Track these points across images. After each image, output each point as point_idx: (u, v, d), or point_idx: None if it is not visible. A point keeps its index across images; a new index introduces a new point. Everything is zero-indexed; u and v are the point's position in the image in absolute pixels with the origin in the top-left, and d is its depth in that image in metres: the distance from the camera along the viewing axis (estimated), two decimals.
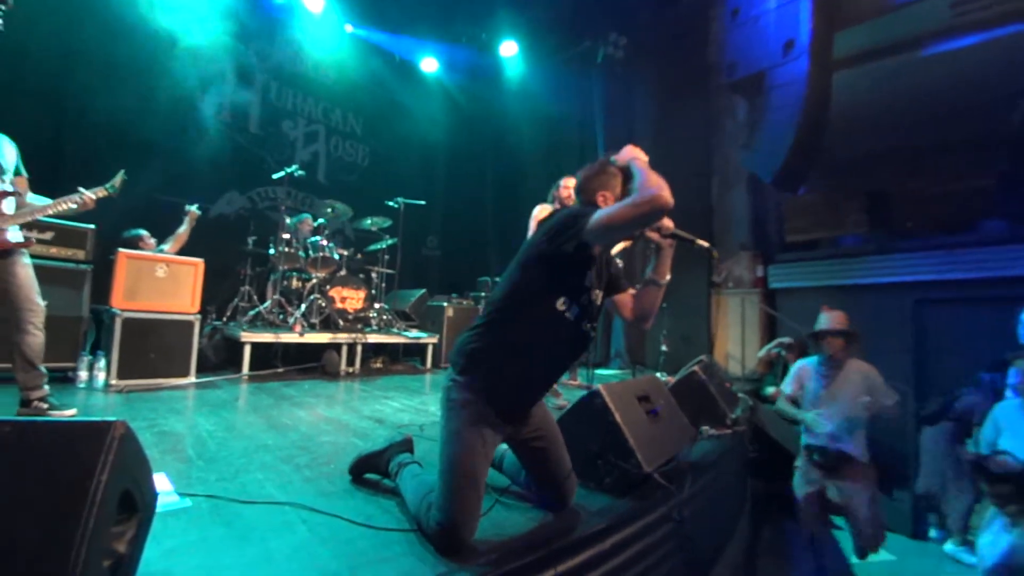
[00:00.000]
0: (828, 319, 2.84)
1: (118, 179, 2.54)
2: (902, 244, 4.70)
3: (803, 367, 3.00)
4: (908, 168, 4.83)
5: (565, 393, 3.66)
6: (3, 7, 1.79)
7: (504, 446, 1.65)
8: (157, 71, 4.93)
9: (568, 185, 3.77)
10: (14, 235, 2.30)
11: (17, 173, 2.41)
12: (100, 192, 2.47)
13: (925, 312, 4.50)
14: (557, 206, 3.77)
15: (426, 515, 1.36)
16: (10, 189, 2.26)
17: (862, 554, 2.77)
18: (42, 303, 2.38)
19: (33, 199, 2.47)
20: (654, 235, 1.53)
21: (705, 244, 1.54)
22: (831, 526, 2.87)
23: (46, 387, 2.41)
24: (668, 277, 1.57)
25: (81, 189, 2.42)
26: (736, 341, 5.63)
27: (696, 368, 2.98)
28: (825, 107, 4.90)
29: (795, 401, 3.00)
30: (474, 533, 1.31)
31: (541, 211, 3.69)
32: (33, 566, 0.75)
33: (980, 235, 4.31)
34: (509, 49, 7.21)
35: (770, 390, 4.60)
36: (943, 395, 3.75)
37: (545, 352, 1.49)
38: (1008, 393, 2.51)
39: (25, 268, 2.35)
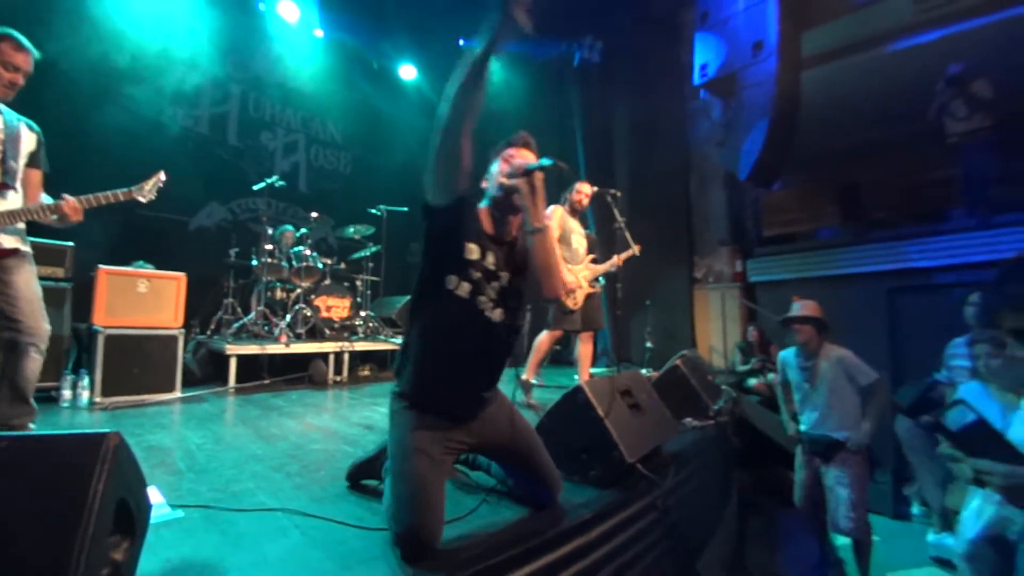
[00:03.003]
0: (797, 308, 2.91)
1: (150, 183, 2.28)
2: (875, 235, 4.85)
3: (783, 359, 3.07)
4: (878, 161, 5.00)
5: (538, 393, 3.70)
6: None
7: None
8: (133, 83, 4.88)
9: (585, 191, 3.76)
10: (6, 240, 1.96)
11: (32, 165, 2.09)
12: (123, 195, 2.17)
13: (898, 300, 4.66)
14: (568, 209, 3.75)
15: (390, 525, 1.34)
16: (7, 181, 1.95)
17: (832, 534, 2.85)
18: (47, 325, 2.05)
19: (44, 199, 2.13)
20: (514, 182, 1.44)
21: (563, 166, 1.45)
22: (821, 510, 2.94)
23: (32, 426, 2.09)
24: (545, 222, 1.44)
25: (66, 198, 2.04)
26: (718, 334, 5.76)
27: (678, 362, 3.06)
28: (796, 105, 5.04)
29: (788, 392, 3.07)
30: (437, 538, 1.28)
31: (552, 213, 3.62)
32: (37, 568, 0.78)
33: (948, 224, 4.48)
34: None
35: (752, 382, 4.73)
36: (918, 386, 3.86)
37: (455, 341, 1.45)
38: (963, 375, 2.64)
39: (26, 277, 2.00)
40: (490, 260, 1.48)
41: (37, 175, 2.11)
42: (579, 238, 3.72)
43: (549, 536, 1.45)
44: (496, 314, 1.48)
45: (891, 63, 4.66)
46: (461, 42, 7.29)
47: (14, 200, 2.00)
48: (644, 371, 4.49)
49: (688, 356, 3.26)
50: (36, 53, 1.96)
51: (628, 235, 3.80)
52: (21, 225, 2.03)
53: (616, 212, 3.83)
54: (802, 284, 5.12)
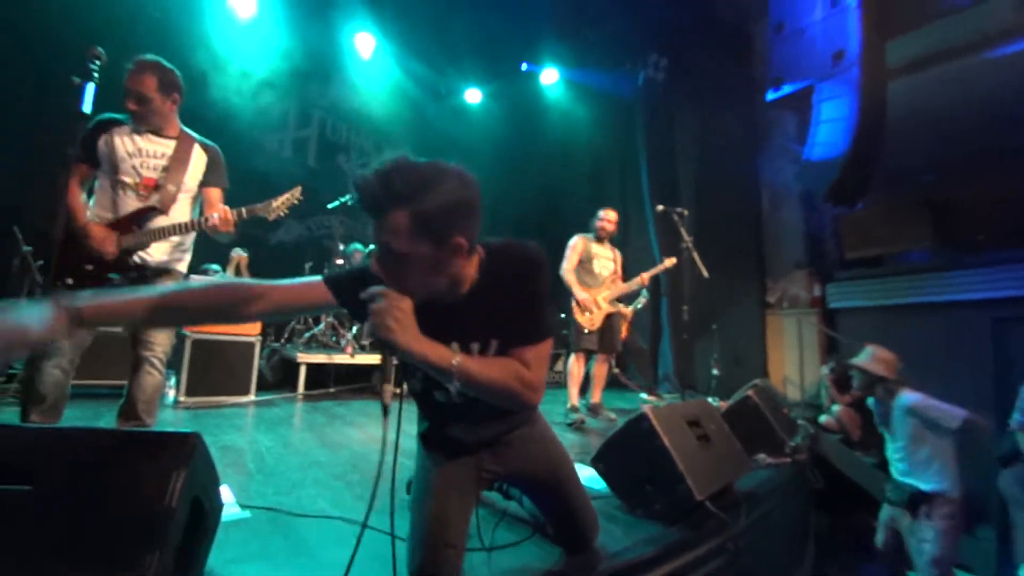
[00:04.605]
0: (867, 355, 2.73)
1: (281, 199, 2.30)
2: (974, 258, 4.35)
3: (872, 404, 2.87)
4: (976, 177, 4.50)
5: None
6: (97, 62, 1.84)
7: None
8: (227, 109, 5.36)
9: (609, 218, 3.88)
10: (157, 256, 2.02)
11: (208, 184, 2.16)
12: (258, 210, 2.19)
13: (1006, 331, 4.13)
14: (593, 237, 3.85)
15: (407, 557, 1.22)
16: (153, 204, 1.99)
17: None
18: (169, 338, 2.04)
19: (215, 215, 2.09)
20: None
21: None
22: (903, 562, 2.63)
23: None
24: (450, 361, 1.03)
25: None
26: (794, 364, 5.35)
27: (750, 392, 2.85)
28: (881, 117, 4.69)
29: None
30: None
31: (574, 243, 3.79)
32: (118, 555, 0.82)
33: None
34: (550, 77, 7.38)
35: (823, 418, 4.33)
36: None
37: (437, 416, 1.30)
38: None
39: None
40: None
41: (215, 193, 2.17)
42: (604, 262, 3.83)
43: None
44: (452, 397, 1.19)
45: (989, 70, 4.25)
46: (524, 66, 7.45)
47: (176, 219, 2.06)
48: (711, 400, 4.24)
49: (761, 386, 3.03)
50: (158, 71, 1.99)
51: (696, 255, 3.67)
52: (180, 241, 2.09)
53: (683, 231, 3.70)
54: (888, 312, 4.67)
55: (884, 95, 4.70)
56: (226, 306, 1.07)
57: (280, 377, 4.52)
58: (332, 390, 4.51)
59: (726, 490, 1.97)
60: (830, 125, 4.83)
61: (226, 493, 1.71)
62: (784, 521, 2.61)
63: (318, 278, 1.16)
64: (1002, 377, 4.07)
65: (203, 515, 1.05)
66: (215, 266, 4.36)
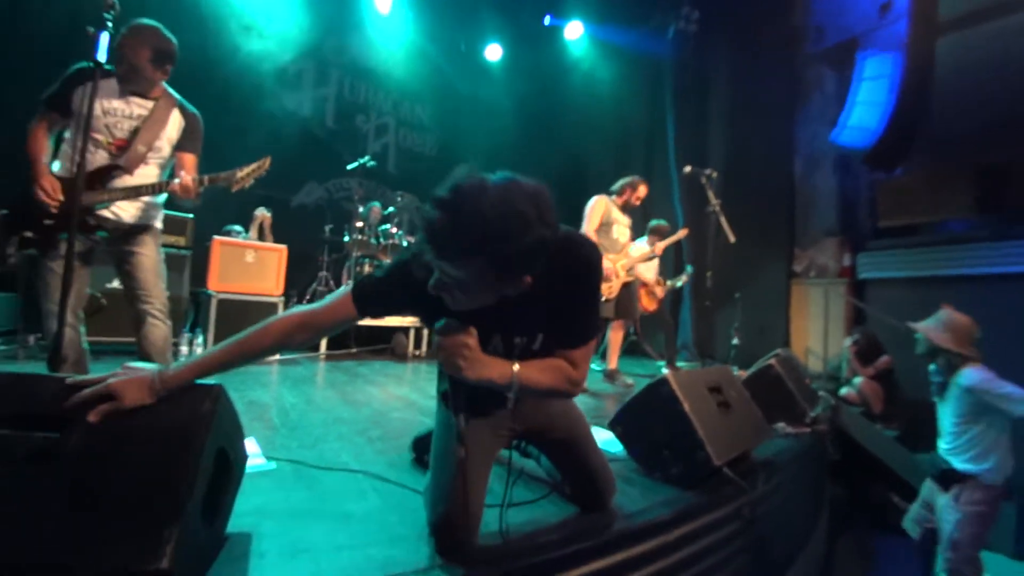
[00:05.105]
0: (938, 320, 2.50)
1: (250, 168, 2.17)
2: (1022, 229, 4.12)
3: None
4: None
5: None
6: (112, 12, 1.76)
7: None
8: (245, 68, 5.29)
9: (640, 194, 3.78)
10: (129, 215, 2.04)
11: (182, 149, 2.14)
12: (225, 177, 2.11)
13: None
14: (619, 202, 3.73)
15: (426, 511, 1.24)
16: (119, 162, 1.97)
17: None
18: (164, 292, 2.10)
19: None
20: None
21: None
22: (932, 541, 2.60)
23: None
24: (511, 372, 1.07)
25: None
26: (818, 336, 5.23)
27: (772, 361, 2.80)
28: (928, 76, 4.38)
29: None
30: (475, 530, 1.17)
31: (596, 203, 3.67)
32: (146, 501, 0.85)
33: None
34: (574, 31, 7.06)
35: (844, 390, 4.25)
36: None
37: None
38: None
39: (149, 252, 2.08)
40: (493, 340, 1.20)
41: (189, 159, 2.15)
42: (622, 229, 3.76)
43: (607, 537, 1.35)
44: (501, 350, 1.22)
45: None
46: (547, 19, 7.13)
47: (140, 180, 2.04)
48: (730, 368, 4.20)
49: (783, 355, 2.97)
50: (154, 40, 1.97)
51: (723, 219, 3.55)
52: (151, 200, 2.10)
53: (711, 194, 3.58)
54: (924, 283, 4.49)
55: (933, 51, 4.38)
56: (277, 346, 1.18)
57: None
58: (354, 350, 4.60)
59: (744, 457, 1.96)
60: (873, 83, 4.54)
61: (252, 445, 1.77)
62: (800, 490, 2.60)
63: (346, 291, 1.18)
64: None
65: (228, 465, 1.08)
66: (237, 227, 4.41)
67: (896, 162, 4.69)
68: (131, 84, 2.02)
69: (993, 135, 4.31)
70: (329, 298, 1.20)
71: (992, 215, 4.37)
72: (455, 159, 7.22)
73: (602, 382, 3.77)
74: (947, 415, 2.48)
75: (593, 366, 4.54)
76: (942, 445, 2.52)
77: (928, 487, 2.62)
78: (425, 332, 4.89)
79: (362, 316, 1.17)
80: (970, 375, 2.35)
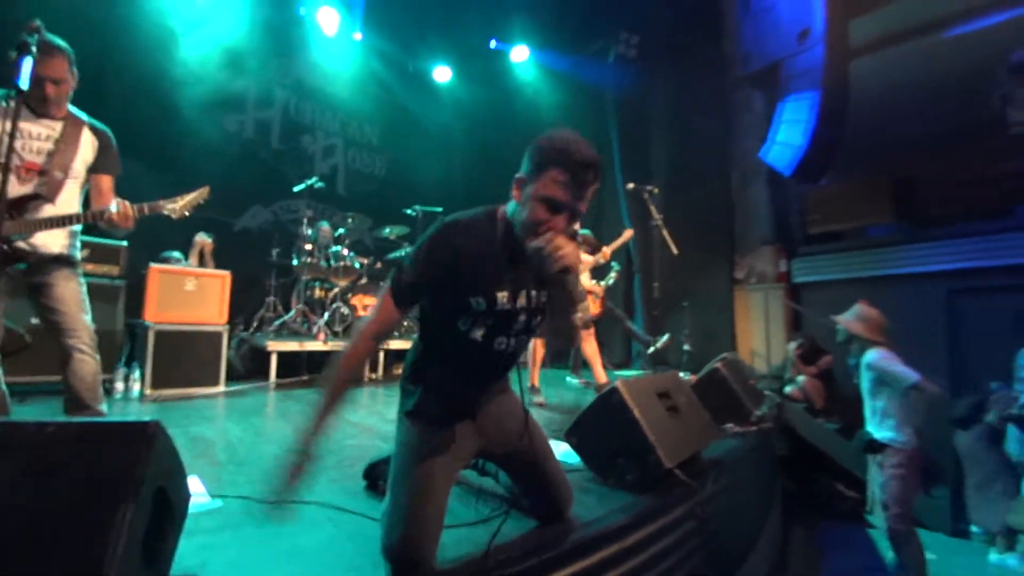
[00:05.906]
0: (852, 313, 2.91)
1: (189, 197, 2.06)
2: (932, 232, 4.55)
3: None
4: (935, 154, 4.67)
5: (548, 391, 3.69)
6: (36, 35, 1.67)
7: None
8: (185, 89, 5.09)
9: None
10: (51, 245, 1.92)
11: (97, 171, 2.02)
12: (162, 206, 2.00)
13: (959, 302, 4.34)
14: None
15: (382, 535, 1.21)
16: (38, 191, 1.87)
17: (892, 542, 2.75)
18: (88, 323, 1.98)
19: (112, 205, 1.91)
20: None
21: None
22: (864, 524, 2.83)
23: None
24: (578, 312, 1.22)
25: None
26: (761, 338, 5.53)
27: (718, 365, 2.94)
28: (844, 95, 4.80)
29: None
30: (432, 554, 1.16)
31: None
32: (73, 555, 0.80)
33: (1018, 220, 4.15)
34: (520, 54, 7.26)
35: (788, 388, 4.52)
36: (972, 395, 3.64)
37: (462, 368, 1.37)
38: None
39: (70, 284, 1.96)
40: (521, 299, 1.30)
41: (105, 180, 2.04)
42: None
43: (566, 548, 1.37)
44: (510, 343, 1.36)
45: (949, 49, 4.37)
46: (493, 43, 7.30)
47: (63, 207, 1.94)
48: (682, 375, 4.35)
49: (729, 359, 3.12)
50: (66, 52, 1.89)
51: (666, 233, 3.71)
52: (71, 228, 1.98)
53: (653, 209, 3.74)
54: (851, 285, 4.85)
55: (846, 73, 4.81)
56: (369, 356, 1.29)
57: (251, 367, 4.42)
58: (306, 378, 4.44)
59: (694, 458, 2.04)
60: (795, 103, 4.92)
61: (196, 484, 1.68)
62: (750, 486, 2.72)
63: (385, 294, 1.27)
64: (955, 345, 4.30)
65: (169, 505, 1.03)
66: (176, 253, 4.20)
67: (820, 174, 5.08)
68: (56, 106, 1.92)
69: (906, 148, 4.77)
70: (376, 306, 1.29)
71: (907, 221, 4.81)
72: (405, 180, 7.19)
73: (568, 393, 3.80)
74: (863, 392, 2.85)
75: (576, 380, 4.63)
76: (867, 420, 2.88)
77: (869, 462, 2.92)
78: (381, 355, 4.79)
79: (406, 314, 1.30)
80: (871, 354, 2.76)
